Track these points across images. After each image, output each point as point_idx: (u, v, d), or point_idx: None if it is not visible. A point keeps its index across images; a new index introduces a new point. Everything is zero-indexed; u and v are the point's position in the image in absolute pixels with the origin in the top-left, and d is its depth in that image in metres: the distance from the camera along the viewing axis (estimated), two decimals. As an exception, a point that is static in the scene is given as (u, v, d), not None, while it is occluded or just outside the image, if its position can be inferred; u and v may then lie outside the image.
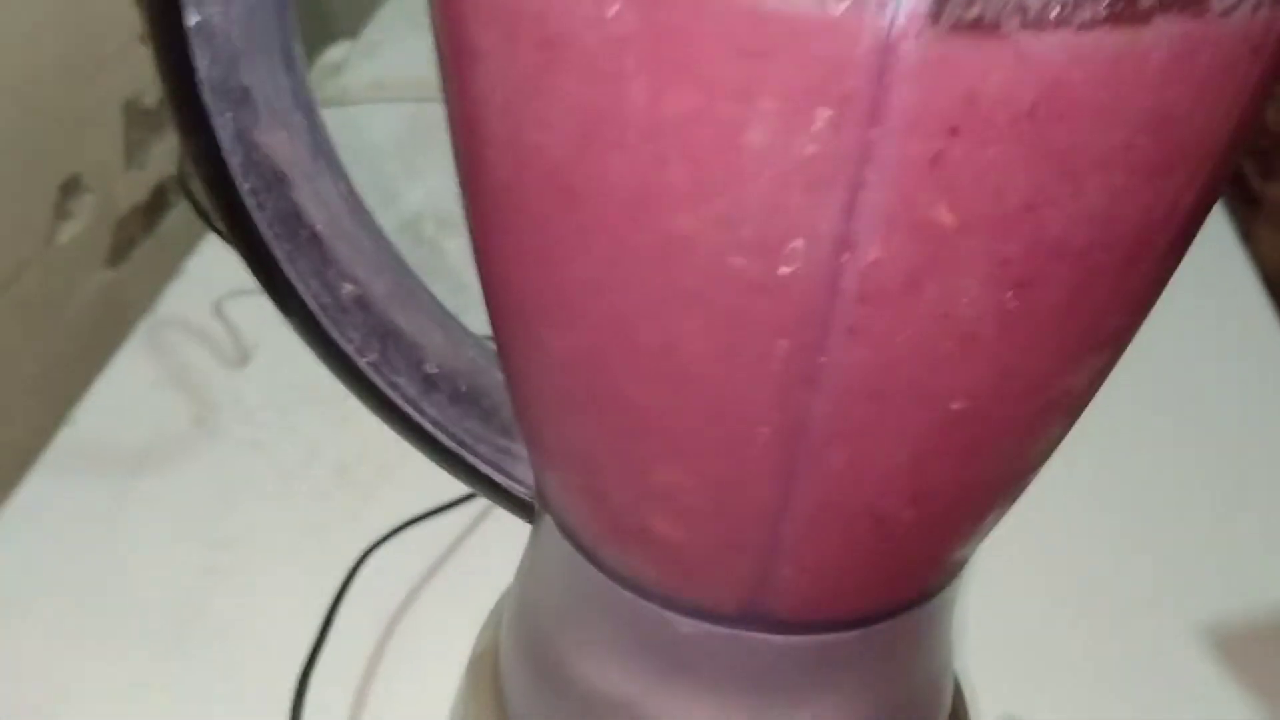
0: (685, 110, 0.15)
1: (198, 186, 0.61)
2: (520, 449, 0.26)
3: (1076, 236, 0.16)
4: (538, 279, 0.19)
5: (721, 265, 0.16)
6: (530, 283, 0.19)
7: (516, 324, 0.20)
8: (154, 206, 0.76)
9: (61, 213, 0.67)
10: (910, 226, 0.16)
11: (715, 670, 0.24)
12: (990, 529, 0.24)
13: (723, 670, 0.24)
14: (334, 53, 0.76)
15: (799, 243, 0.16)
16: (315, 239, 0.22)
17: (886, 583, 0.23)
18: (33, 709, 0.40)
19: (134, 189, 0.73)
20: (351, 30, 0.80)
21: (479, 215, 0.19)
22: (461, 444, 0.25)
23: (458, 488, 0.47)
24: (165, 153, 0.74)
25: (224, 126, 0.21)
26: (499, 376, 0.25)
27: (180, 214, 0.76)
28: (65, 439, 0.51)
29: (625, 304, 0.18)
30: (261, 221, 0.22)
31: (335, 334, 0.23)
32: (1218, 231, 0.66)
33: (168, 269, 0.65)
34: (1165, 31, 0.14)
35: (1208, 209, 0.19)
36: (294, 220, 0.22)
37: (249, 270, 0.22)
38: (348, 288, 0.23)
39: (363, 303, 0.24)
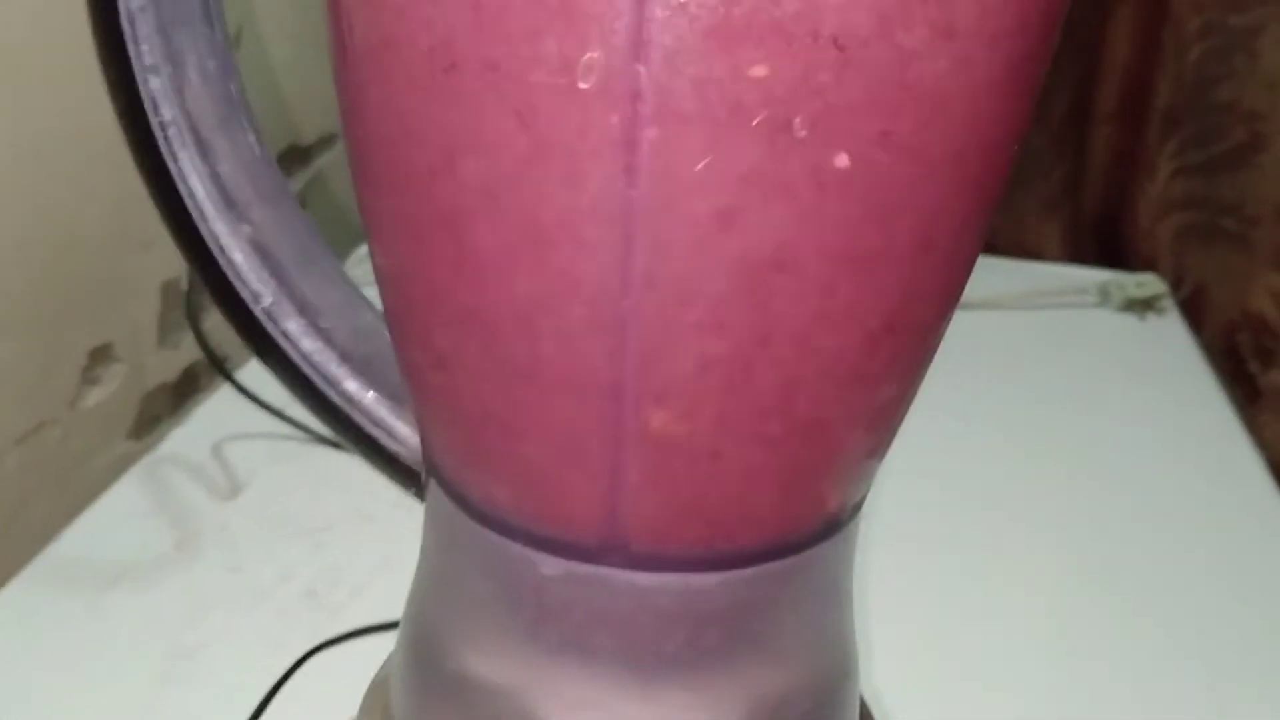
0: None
1: (208, 336, 0.64)
2: (408, 415, 0.26)
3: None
4: (383, 155, 0.20)
5: (526, 85, 0.18)
6: (381, 162, 0.21)
7: (376, 214, 0.22)
8: (182, 388, 0.79)
9: (89, 378, 0.70)
10: (696, 33, 0.17)
11: (583, 622, 0.24)
12: (854, 474, 0.24)
13: (590, 621, 0.24)
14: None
15: (595, 53, 0.17)
16: (218, 177, 0.24)
17: (741, 511, 0.22)
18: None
19: (164, 367, 0.76)
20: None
21: (342, 97, 0.21)
22: (349, 402, 0.26)
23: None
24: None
25: (144, 55, 0.23)
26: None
27: (206, 397, 0.79)
28: (48, 555, 0.52)
29: (453, 143, 0.19)
30: (167, 152, 0.24)
31: (230, 274, 0.25)
32: (1223, 423, 0.66)
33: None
34: None
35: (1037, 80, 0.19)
36: (200, 159, 0.24)
37: (151, 196, 0.24)
38: (246, 229, 0.25)
39: (261, 249, 0.25)
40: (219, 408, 0.63)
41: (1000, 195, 0.21)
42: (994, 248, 0.77)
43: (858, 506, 0.25)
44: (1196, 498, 0.61)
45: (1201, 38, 0.73)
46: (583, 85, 0.18)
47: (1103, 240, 0.83)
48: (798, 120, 0.18)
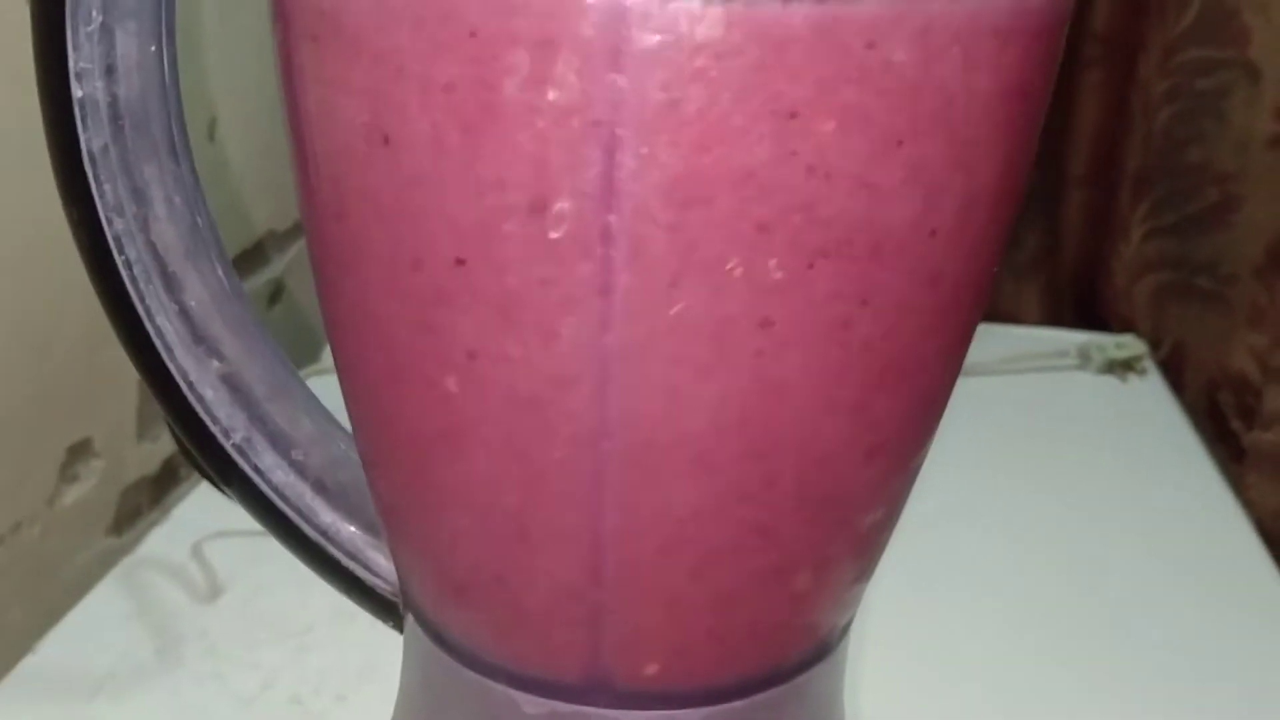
0: (452, 77, 0.17)
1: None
2: (385, 547, 0.26)
3: (828, 207, 0.17)
4: (352, 303, 0.20)
5: (497, 234, 0.18)
6: (345, 305, 0.20)
7: (345, 358, 0.21)
8: (163, 480, 0.78)
9: (67, 475, 0.69)
10: (666, 182, 0.17)
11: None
12: (842, 600, 0.23)
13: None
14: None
15: (565, 203, 0.17)
16: (185, 314, 0.24)
17: (726, 645, 0.22)
18: None
19: (145, 460, 0.75)
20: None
21: (312, 251, 0.21)
22: (324, 535, 0.26)
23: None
24: (179, 428, 0.77)
25: (106, 194, 0.23)
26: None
27: (187, 489, 0.78)
28: (25, 668, 0.51)
29: (423, 301, 0.19)
30: (134, 290, 0.23)
31: (200, 410, 0.24)
32: (1208, 483, 0.66)
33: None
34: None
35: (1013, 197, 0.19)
36: (166, 295, 0.24)
37: (117, 334, 0.24)
38: (216, 364, 0.24)
39: (231, 382, 0.25)
40: (198, 504, 0.62)
41: (979, 316, 0.21)
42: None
43: (846, 627, 0.24)
44: (1184, 560, 0.61)
45: (1169, 101, 0.74)
46: (553, 235, 0.17)
47: (1080, 302, 0.83)
48: (773, 262, 0.18)
